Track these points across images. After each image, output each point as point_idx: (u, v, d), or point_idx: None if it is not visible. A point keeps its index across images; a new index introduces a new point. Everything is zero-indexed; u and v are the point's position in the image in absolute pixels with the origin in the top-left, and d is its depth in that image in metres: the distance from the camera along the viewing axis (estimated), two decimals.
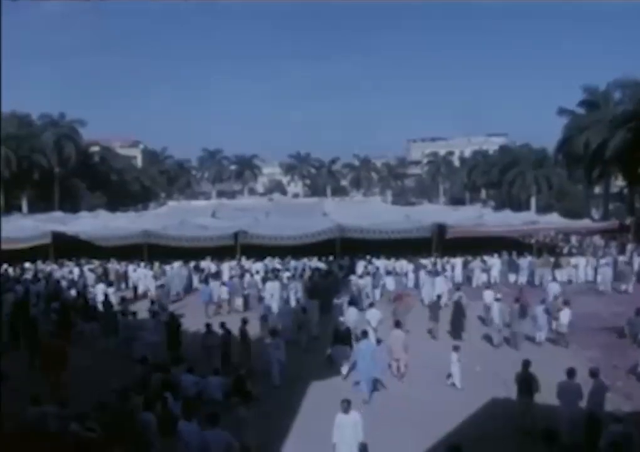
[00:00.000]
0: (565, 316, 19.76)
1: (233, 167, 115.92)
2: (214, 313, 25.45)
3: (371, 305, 21.38)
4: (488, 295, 23.06)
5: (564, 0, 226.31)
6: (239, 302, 26.58)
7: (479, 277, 31.62)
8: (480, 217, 38.53)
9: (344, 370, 16.90)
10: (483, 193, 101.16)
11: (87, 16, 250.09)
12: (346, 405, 11.24)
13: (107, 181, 79.84)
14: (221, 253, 33.67)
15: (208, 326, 18.13)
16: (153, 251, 34.18)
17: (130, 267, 32.50)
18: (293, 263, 32.73)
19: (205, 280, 28.37)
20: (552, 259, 33.22)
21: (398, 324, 17.66)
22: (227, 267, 32.11)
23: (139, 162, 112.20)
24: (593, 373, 12.56)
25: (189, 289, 31.10)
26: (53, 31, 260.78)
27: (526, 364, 13.33)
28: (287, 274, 28.93)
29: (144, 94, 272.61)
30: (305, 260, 33.14)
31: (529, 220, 38.14)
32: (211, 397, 14.56)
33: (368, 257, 32.87)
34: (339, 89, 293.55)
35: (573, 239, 45.91)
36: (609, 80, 55.93)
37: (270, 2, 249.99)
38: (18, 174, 62.63)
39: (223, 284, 27.25)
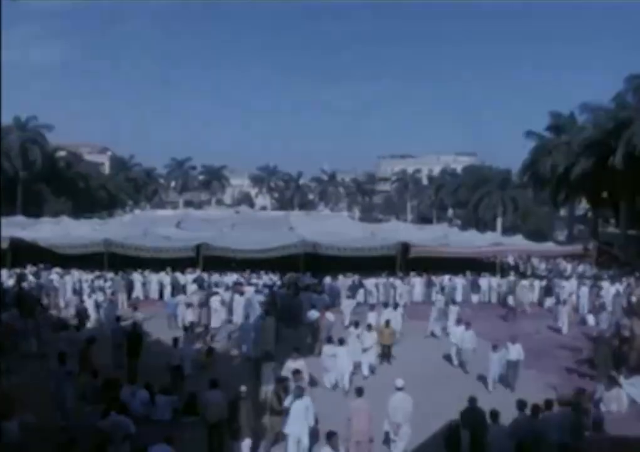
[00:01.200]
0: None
1: (201, 177, 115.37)
2: (176, 327, 24.87)
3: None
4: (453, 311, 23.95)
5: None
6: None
7: (440, 297, 31.53)
8: (445, 237, 38.61)
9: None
10: (450, 212, 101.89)
11: (58, 20, 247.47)
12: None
13: (73, 187, 78.64)
14: (183, 264, 33.20)
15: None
16: (114, 260, 33.59)
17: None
18: (255, 277, 32.42)
19: (172, 293, 28.52)
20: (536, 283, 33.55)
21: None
22: (190, 279, 31.61)
23: (107, 169, 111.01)
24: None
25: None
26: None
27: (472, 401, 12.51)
28: (249, 288, 28.48)
29: (114, 100, 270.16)
30: (265, 274, 32.95)
31: (493, 242, 38.33)
32: (159, 418, 14.20)
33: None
34: (311, 103, 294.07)
35: (535, 261, 46.46)
36: (577, 100, 57.40)
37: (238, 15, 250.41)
38: None
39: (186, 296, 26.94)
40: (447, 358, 20.77)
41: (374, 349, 19.30)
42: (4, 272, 32.21)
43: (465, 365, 19.72)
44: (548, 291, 32.12)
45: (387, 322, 20.70)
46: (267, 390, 14.70)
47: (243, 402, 12.38)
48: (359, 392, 12.91)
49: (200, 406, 13.59)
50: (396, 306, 24.46)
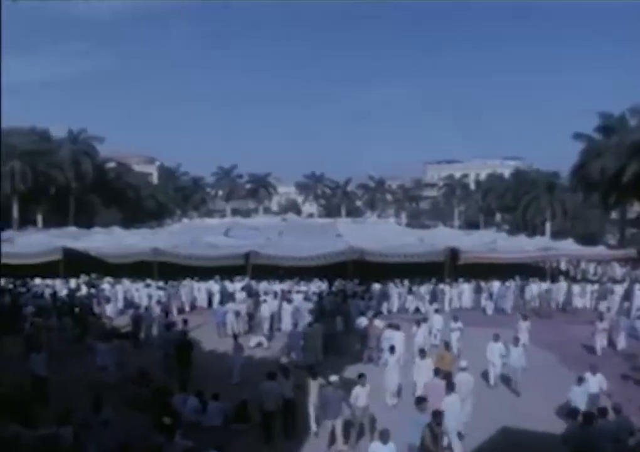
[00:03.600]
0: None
1: (248, 185, 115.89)
2: (225, 335, 24.96)
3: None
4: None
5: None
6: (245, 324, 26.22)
7: (489, 304, 31.27)
8: (493, 242, 38.20)
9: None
10: (498, 217, 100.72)
11: (105, 26, 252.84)
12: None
13: (123, 197, 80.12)
14: (232, 272, 33.44)
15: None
16: (164, 269, 34.02)
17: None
18: (303, 284, 32.47)
19: (221, 301, 28.76)
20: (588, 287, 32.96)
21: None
22: (239, 287, 31.75)
23: (155, 179, 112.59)
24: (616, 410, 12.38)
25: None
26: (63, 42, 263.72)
27: None
28: (297, 296, 28.41)
29: (162, 109, 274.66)
30: (313, 281, 33.03)
31: (543, 246, 37.72)
32: (210, 423, 14.29)
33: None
34: (356, 111, 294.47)
35: (584, 265, 45.76)
36: (623, 103, 55.99)
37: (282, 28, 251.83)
38: (34, 189, 62.97)
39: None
40: (503, 378, 18.58)
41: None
42: (58, 282, 33.10)
43: (512, 384, 17.98)
44: (626, 296, 30.92)
45: (446, 345, 18.84)
46: (335, 423, 12.92)
47: None
48: (436, 372, 14.39)
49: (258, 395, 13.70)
50: (456, 319, 22.34)
